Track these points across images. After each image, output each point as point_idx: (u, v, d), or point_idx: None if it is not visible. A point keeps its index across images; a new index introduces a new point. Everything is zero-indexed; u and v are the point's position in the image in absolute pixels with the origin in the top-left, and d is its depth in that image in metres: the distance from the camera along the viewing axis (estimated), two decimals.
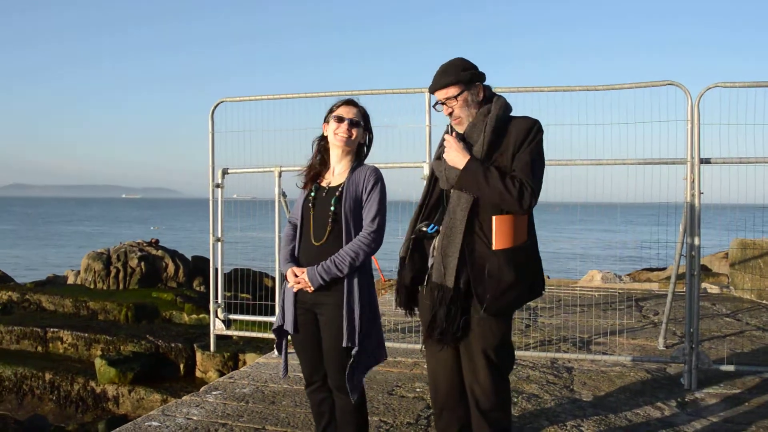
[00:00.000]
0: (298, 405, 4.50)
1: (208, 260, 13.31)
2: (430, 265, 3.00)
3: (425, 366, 5.45)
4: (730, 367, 5.04)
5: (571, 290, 8.59)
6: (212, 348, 6.75)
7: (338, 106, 3.15)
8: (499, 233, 2.84)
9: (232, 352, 8.51)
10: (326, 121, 3.19)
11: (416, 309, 3.16)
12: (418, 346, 5.75)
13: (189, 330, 9.97)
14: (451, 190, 2.93)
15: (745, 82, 4.88)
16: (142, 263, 11.72)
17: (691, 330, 4.96)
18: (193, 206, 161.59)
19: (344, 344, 2.95)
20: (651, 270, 14.21)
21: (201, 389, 4.89)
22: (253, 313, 6.55)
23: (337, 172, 3.16)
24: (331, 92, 5.67)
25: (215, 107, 6.04)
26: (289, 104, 5.93)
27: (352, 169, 3.13)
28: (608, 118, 5.11)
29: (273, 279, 11.85)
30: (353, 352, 2.98)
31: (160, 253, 12.14)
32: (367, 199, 3.07)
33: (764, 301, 8.04)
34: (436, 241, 2.96)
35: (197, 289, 11.91)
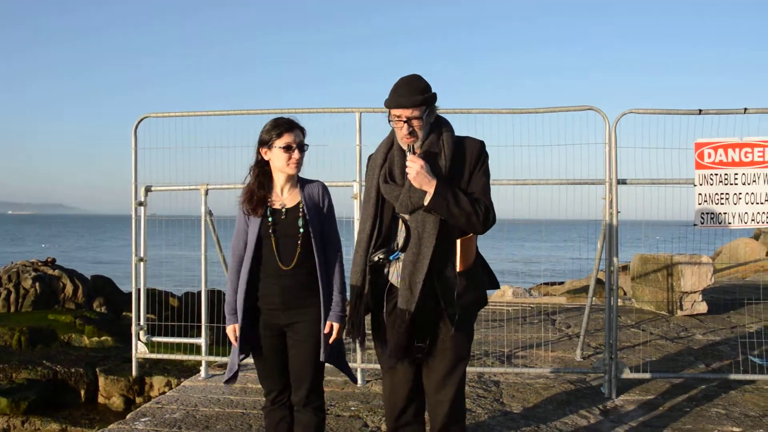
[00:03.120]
0: (233, 429, 4.36)
1: (109, 280, 12.77)
2: (387, 289, 2.99)
3: (357, 386, 5.47)
4: (646, 375, 5.37)
5: (486, 305, 8.83)
6: (134, 372, 6.43)
7: (281, 134, 3.05)
8: (463, 255, 2.90)
9: (137, 375, 8.12)
10: (267, 146, 3.09)
11: (367, 335, 3.15)
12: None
13: (90, 353, 9.41)
14: (410, 214, 2.91)
15: (655, 110, 5.27)
16: (37, 284, 10.95)
17: (611, 342, 5.25)
18: (91, 223, 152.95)
19: (322, 359, 2.99)
20: (550, 284, 14.94)
21: (128, 416, 4.62)
22: (167, 335, 6.33)
23: (287, 193, 3.14)
24: (260, 110, 5.57)
25: (138, 122, 5.77)
26: (216, 121, 5.79)
27: (301, 186, 3.14)
28: (533, 140, 5.35)
29: (179, 299, 11.45)
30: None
31: (56, 272, 11.39)
32: (327, 218, 3.11)
33: (663, 312, 8.62)
34: (398, 267, 2.95)
35: (98, 310, 11.28)
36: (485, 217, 2.86)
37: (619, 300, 9.52)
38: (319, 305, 3.01)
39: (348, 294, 3.08)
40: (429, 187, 2.81)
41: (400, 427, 3.15)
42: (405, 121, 2.86)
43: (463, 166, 2.93)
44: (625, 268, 10.13)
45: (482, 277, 3.11)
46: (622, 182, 5.27)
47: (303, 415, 3.09)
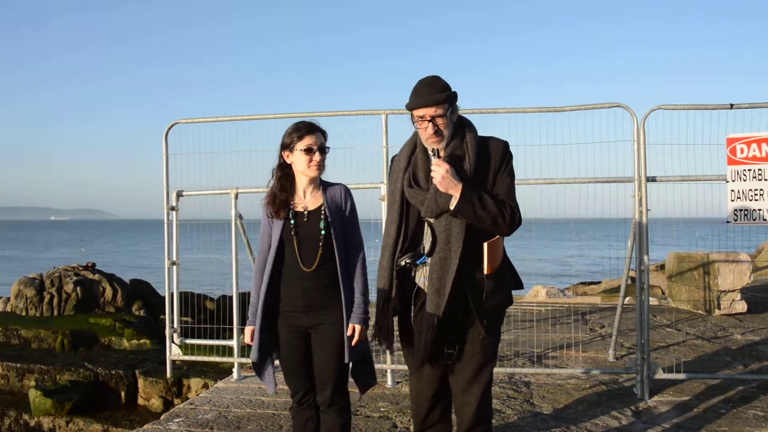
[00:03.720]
0: (264, 429, 4.43)
1: (147, 283, 13.05)
2: (416, 293, 3.01)
3: (386, 386, 5.49)
4: (680, 376, 5.27)
5: (518, 306, 8.81)
6: (169, 374, 6.57)
7: (302, 137, 3.09)
8: (490, 258, 2.90)
9: (175, 377, 8.28)
10: (288, 149, 3.13)
11: (396, 338, 3.17)
12: (378, 366, 5.75)
13: (130, 356, 9.67)
14: (436, 218, 2.91)
15: (684, 105, 5.17)
16: (78, 288, 11.28)
17: (642, 341, 5.17)
18: (127, 228, 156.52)
19: (347, 360, 3.04)
20: (586, 284, 14.76)
21: (162, 417, 4.74)
22: (201, 337, 6.43)
23: (309, 195, 3.18)
24: (287, 114, 5.62)
25: (169, 129, 5.91)
26: (245, 125, 5.88)
27: (324, 189, 3.18)
28: (560, 138, 5.30)
29: (214, 302, 11.64)
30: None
31: (96, 277, 11.72)
32: (349, 220, 3.15)
33: (700, 311, 8.45)
34: (425, 270, 2.96)
35: (137, 313, 11.55)
36: (511, 219, 2.86)
37: (655, 299, 9.39)
38: (342, 307, 3.05)
39: (372, 296, 3.11)
40: (455, 191, 2.81)
41: (427, 428, 3.18)
42: (429, 121, 2.86)
43: (487, 167, 2.93)
44: (661, 267, 9.96)
45: (509, 278, 3.12)
46: (651, 180, 5.19)
47: (328, 416, 3.14)
